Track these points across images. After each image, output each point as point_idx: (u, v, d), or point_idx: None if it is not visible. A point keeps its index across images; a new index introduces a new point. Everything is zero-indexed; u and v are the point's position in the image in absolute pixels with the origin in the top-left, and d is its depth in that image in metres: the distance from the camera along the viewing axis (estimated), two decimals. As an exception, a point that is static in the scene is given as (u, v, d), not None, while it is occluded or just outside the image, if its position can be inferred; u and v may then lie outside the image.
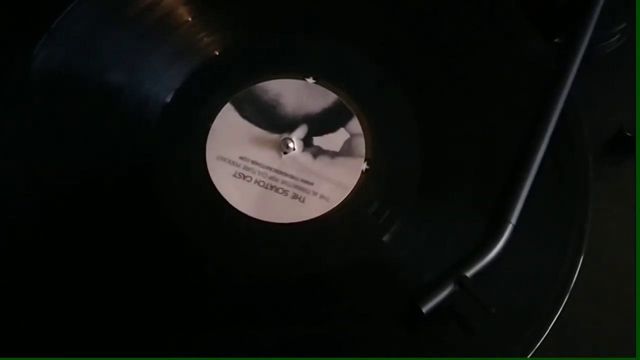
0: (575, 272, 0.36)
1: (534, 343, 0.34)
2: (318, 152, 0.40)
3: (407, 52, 0.42)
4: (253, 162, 0.40)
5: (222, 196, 0.38)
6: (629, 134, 0.41)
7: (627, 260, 0.39)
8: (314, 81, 0.41)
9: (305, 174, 0.39)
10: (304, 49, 0.43)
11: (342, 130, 0.40)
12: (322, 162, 0.39)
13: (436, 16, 0.43)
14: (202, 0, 0.43)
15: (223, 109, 0.41)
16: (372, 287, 0.36)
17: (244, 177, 0.39)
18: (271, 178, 0.39)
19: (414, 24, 0.43)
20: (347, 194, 0.38)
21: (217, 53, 0.42)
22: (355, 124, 0.40)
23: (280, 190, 0.39)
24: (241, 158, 0.40)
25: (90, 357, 0.34)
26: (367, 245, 0.37)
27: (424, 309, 0.34)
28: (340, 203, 0.38)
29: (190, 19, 0.43)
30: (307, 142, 0.40)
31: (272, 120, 0.41)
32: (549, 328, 0.34)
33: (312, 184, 0.39)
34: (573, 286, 0.35)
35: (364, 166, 0.39)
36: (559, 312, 0.35)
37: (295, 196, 0.38)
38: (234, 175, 0.39)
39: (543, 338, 0.34)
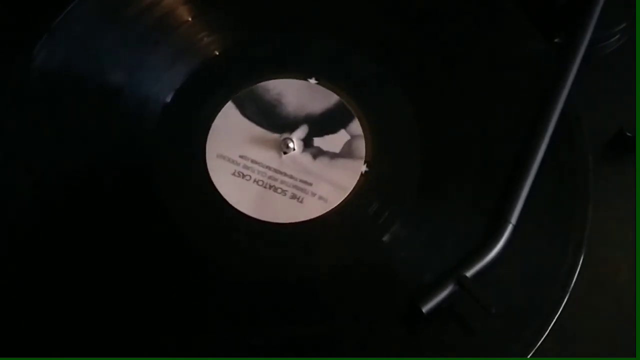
0: (575, 272, 0.36)
1: (534, 343, 0.34)
2: (318, 153, 0.40)
3: (407, 53, 0.42)
4: (253, 161, 0.40)
5: (221, 194, 0.38)
6: (629, 134, 0.41)
7: (627, 260, 0.39)
8: (316, 82, 0.41)
9: (305, 174, 0.39)
10: (306, 49, 0.43)
11: (342, 131, 0.40)
12: (321, 163, 0.39)
13: (436, 16, 0.43)
14: (202, 0, 0.43)
15: (224, 107, 0.41)
16: (372, 287, 0.36)
17: (243, 176, 0.39)
18: (270, 178, 0.39)
19: (414, 24, 0.43)
20: (346, 195, 0.38)
21: (217, 53, 0.42)
22: (356, 126, 0.40)
23: (279, 190, 0.39)
24: (241, 157, 0.40)
25: (90, 357, 0.34)
26: (367, 245, 0.37)
27: (424, 309, 0.34)
28: (339, 204, 0.38)
29: (190, 19, 0.43)
30: (307, 143, 0.40)
31: (273, 119, 0.41)
32: (549, 328, 0.34)
33: (311, 184, 0.39)
34: (573, 286, 0.35)
35: (364, 168, 0.39)
36: (559, 312, 0.35)
37: (293, 196, 0.38)
38: (233, 174, 0.39)
39: (543, 338, 0.34)
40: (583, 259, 0.36)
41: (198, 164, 0.39)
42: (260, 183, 0.39)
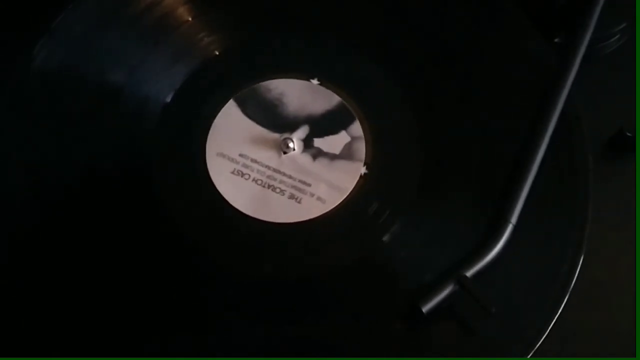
0: (575, 272, 0.36)
1: (534, 343, 0.34)
2: (318, 154, 0.40)
3: (408, 54, 0.42)
4: (252, 160, 0.40)
5: (220, 193, 0.38)
6: (629, 134, 0.41)
7: (627, 260, 0.39)
8: (318, 82, 0.41)
9: (304, 174, 0.39)
10: (308, 50, 0.43)
11: (343, 133, 0.40)
12: (321, 164, 0.39)
13: (436, 17, 0.43)
14: (202, 0, 0.43)
15: (226, 106, 0.41)
16: (372, 287, 0.36)
17: (242, 174, 0.39)
18: (269, 177, 0.39)
19: (414, 25, 0.43)
20: (344, 197, 0.38)
21: (217, 53, 0.42)
22: (356, 128, 0.40)
23: (278, 190, 0.39)
24: (241, 155, 0.40)
25: (91, 357, 0.34)
26: (367, 245, 0.37)
27: (424, 309, 0.34)
28: (337, 206, 0.38)
29: (190, 19, 0.43)
30: (307, 143, 0.40)
31: (274, 119, 0.41)
32: (549, 328, 0.34)
33: (309, 185, 0.39)
34: (573, 286, 0.35)
35: (363, 170, 0.39)
36: (559, 312, 0.35)
37: (292, 196, 0.38)
38: (233, 172, 0.39)
39: (543, 338, 0.34)
40: (583, 259, 0.36)
41: (198, 162, 0.39)
42: (259, 182, 0.39)
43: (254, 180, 0.39)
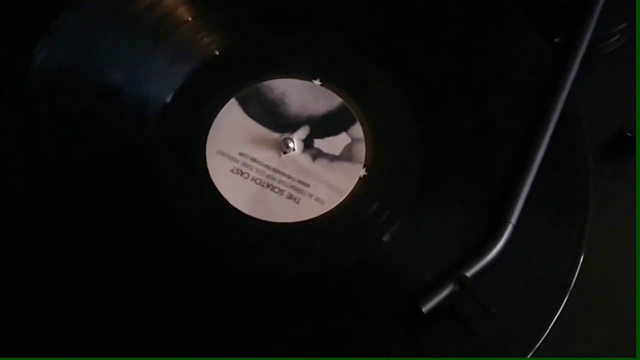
0: (575, 272, 0.36)
1: (534, 343, 0.34)
2: (317, 155, 0.40)
3: (410, 55, 0.42)
4: (252, 159, 0.40)
5: (218, 191, 0.38)
6: (629, 134, 0.41)
7: (627, 260, 0.39)
8: (320, 83, 0.41)
9: (303, 175, 0.39)
10: (308, 50, 0.43)
11: (344, 134, 0.40)
12: (320, 165, 0.39)
13: (436, 17, 0.43)
14: (202, 0, 0.43)
15: (227, 104, 0.41)
16: (372, 287, 0.36)
17: (242, 173, 0.39)
18: (268, 177, 0.39)
19: (415, 25, 0.43)
20: (343, 198, 0.38)
21: (217, 53, 0.42)
22: (357, 129, 0.40)
23: (277, 190, 0.39)
24: (241, 154, 0.40)
25: (91, 357, 0.34)
26: (367, 245, 0.37)
27: (424, 309, 0.34)
28: (335, 207, 0.38)
29: (190, 19, 0.43)
30: (307, 144, 0.40)
31: (275, 119, 0.41)
32: (549, 328, 0.34)
33: (308, 185, 0.39)
34: (573, 286, 0.35)
35: (363, 172, 0.39)
36: (559, 312, 0.35)
37: (290, 196, 0.38)
38: (232, 171, 0.39)
39: (543, 338, 0.34)
40: (583, 259, 0.36)
41: (197, 160, 0.39)
42: (258, 181, 0.39)
43: (253, 179, 0.39)
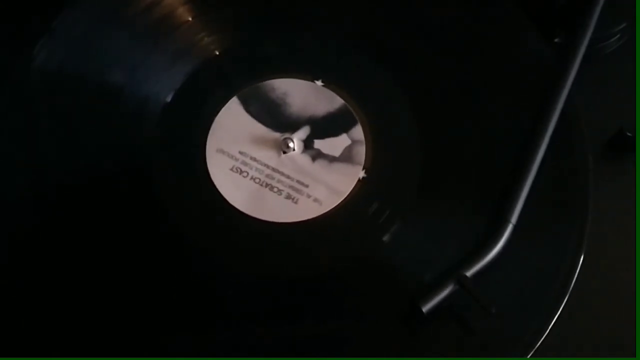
0: (575, 272, 0.36)
1: (534, 343, 0.34)
2: (317, 155, 0.40)
3: (410, 55, 0.42)
4: (252, 158, 0.40)
5: (217, 189, 0.38)
6: (629, 134, 0.41)
7: (627, 260, 0.39)
8: (322, 84, 0.41)
9: (302, 175, 0.39)
10: (311, 51, 0.43)
11: (344, 136, 0.40)
12: (319, 166, 0.39)
13: (436, 17, 0.43)
14: (202, 0, 0.43)
15: (229, 102, 0.41)
16: (372, 287, 0.36)
17: (241, 171, 0.39)
18: (268, 176, 0.39)
19: (414, 26, 0.43)
20: (341, 199, 0.38)
21: (217, 53, 0.42)
22: (358, 131, 0.40)
23: (275, 189, 0.39)
24: (241, 153, 0.40)
25: (91, 357, 0.34)
26: (367, 245, 0.37)
27: (424, 309, 0.34)
28: (333, 208, 0.38)
29: (190, 19, 0.43)
30: (307, 144, 0.40)
31: (276, 118, 0.41)
32: (549, 328, 0.34)
33: (307, 186, 0.39)
34: (573, 286, 0.35)
35: (362, 174, 0.39)
36: (559, 312, 0.35)
37: (288, 196, 0.38)
38: (232, 169, 0.39)
39: (543, 338, 0.34)
40: (583, 259, 0.36)
41: (197, 159, 0.39)
42: (257, 180, 0.39)
43: (252, 178, 0.39)
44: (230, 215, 0.38)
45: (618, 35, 0.45)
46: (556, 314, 0.35)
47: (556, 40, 0.44)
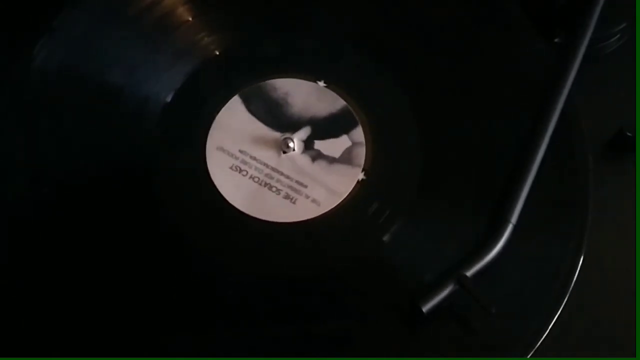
0: (575, 272, 0.36)
1: (534, 343, 0.34)
2: (317, 156, 0.40)
3: (410, 55, 0.42)
4: (252, 157, 0.40)
5: (216, 187, 0.38)
6: (629, 134, 0.41)
7: (627, 260, 0.39)
8: (325, 85, 0.41)
9: (301, 176, 0.39)
10: (310, 52, 0.43)
11: (344, 137, 0.40)
12: (319, 167, 0.39)
13: (436, 17, 0.43)
14: (202, 0, 0.43)
15: (231, 101, 0.41)
16: (372, 287, 0.36)
17: (240, 170, 0.39)
18: (267, 175, 0.39)
19: (414, 26, 0.43)
20: (339, 201, 0.38)
21: (217, 53, 0.42)
22: (359, 133, 0.40)
23: (274, 189, 0.39)
24: (240, 151, 0.40)
25: (91, 357, 0.34)
26: (366, 245, 0.37)
27: (424, 309, 0.34)
28: (331, 209, 0.38)
29: (190, 19, 0.43)
30: (307, 145, 0.40)
31: (277, 118, 0.41)
32: (549, 328, 0.34)
33: (306, 186, 0.39)
34: (573, 286, 0.35)
35: (361, 176, 0.39)
36: (559, 312, 0.35)
37: (287, 196, 0.38)
38: (231, 168, 0.39)
39: (543, 338, 0.34)
40: (583, 259, 0.36)
41: (197, 159, 0.39)
42: (256, 180, 0.39)
43: (251, 177, 0.39)
44: (228, 215, 0.38)
45: (618, 35, 0.45)
46: (556, 314, 0.35)
47: (556, 40, 0.44)
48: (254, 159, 0.40)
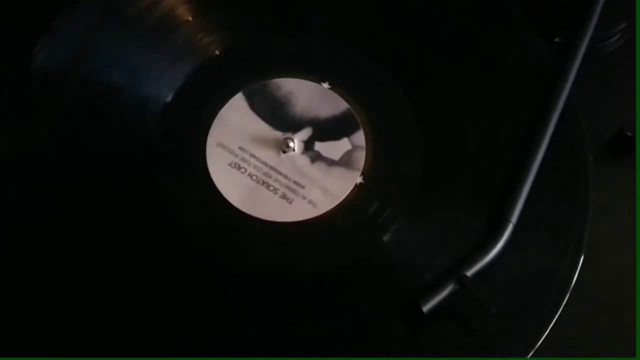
0: (575, 272, 0.36)
1: (534, 343, 0.34)
2: (316, 158, 0.40)
3: (410, 55, 0.42)
4: (251, 155, 0.40)
5: (214, 182, 0.38)
6: (629, 134, 0.41)
7: (627, 261, 0.39)
8: (329, 87, 0.41)
9: (299, 176, 0.39)
10: (312, 52, 0.43)
11: (345, 140, 0.40)
12: (318, 168, 0.39)
13: (435, 17, 0.43)
14: (202, 0, 0.43)
15: (234, 98, 0.41)
16: (372, 287, 0.36)
17: (239, 167, 0.39)
18: (265, 174, 0.39)
19: (415, 26, 0.43)
20: (336, 203, 0.38)
21: (218, 53, 0.42)
22: (359, 137, 0.40)
23: (271, 188, 0.39)
24: (240, 148, 0.40)
25: (91, 357, 0.34)
26: (366, 245, 0.37)
27: (425, 308, 0.34)
28: (327, 211, 0.38)
29: (190, 19, 0.43)
30: (308, 146, 0.40)
31: (279, 117, 0.41)
32: (549, 328, 0.34)
33: (303, 187, 0.39)
34: (573, 286, 0.35)
35: (359, 180, 0.39)
36: (559, 312, 0.35)
37: (284, 196, 0.38)
38: (230, 164, 0.39)
39: (543, 338, 0.34)
40: (583, 259, 0.36)
41: (197, 159, 0.39)
42: (254, 178, 0.39)
43: (249, 175, 0.39)
44: (225, 212, 0.38)
45: (618, 35, 0.45)
46: (556, 314, 0.35)
47: (556, 40, 0.44)
48: (254, 156, 0.40)
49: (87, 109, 0.40)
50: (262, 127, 0.40)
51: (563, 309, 0.35)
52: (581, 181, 0.38)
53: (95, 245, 0.37)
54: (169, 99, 0.41)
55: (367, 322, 0.35)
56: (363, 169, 0.39)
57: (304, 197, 0.38)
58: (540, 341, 0.34)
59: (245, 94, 0.41)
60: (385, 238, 0.37)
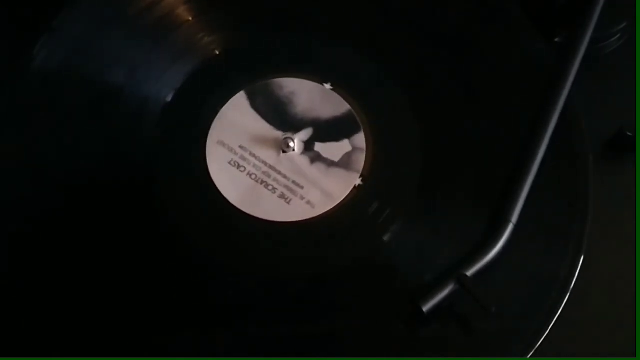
0: (575, 272, 0.36)
1: (534, 343, 0.34)
2: (316, 158, 0.40)
3: (410, 55, 0.42)
4: (251, 154, 0.40)
5: (213, 181, 0.38)
6: (629, 134, 0.41)
7: (627, 260, 0.39)
8: (331, 88, 0.41)
9: (298, 176, 0.39)
10: (311, 53, 0.42)
11: (345, 141, 0.40)
12: (317, 169, 0.39)
13: (435, 17, 0.43)
14: (202, 0, 0.43)
15: (236, 96, 0.41)
16: (372, 287, 0.36)
17: (239, 166, 0.39)
18: (264, 173, 0.39)
19: (415, 26, 0.43)
20: (334, 205, 0.38)
21: (218, 53, 0.42)
22: (360, 139, 0.40)
23: (270, 187, 0.39)
24: (241, 147, 0.40)
25: (91, 357, 0.34)
26: (366, 245, 0.37)
27: (425, 308, 0.34)
28: (325, 213, 0.38)
29: (190, 19, 0.43)
30: (308, 146, 0.40)
31: (280, 117, 0.41)
32: (549, 328, 0.34)
33: (302, 187, 0.39)
34: (573, 286, 0.35)
35: (358, 182, 0.39)
36: (559, 312, 0.35)
37: (282, 196, 0.38)
38: (230, 163, 0.39)
39: (543, 338, 0.34)
40: (583, 259, 0.36)
41: (197, 158, 0.39)
42: (253, 177, 0.39)
43: (248, 173, 0.39)
44: (226, 213, 0.38)
45: (618, 35, 0.45)
46: (556, 314, 0.35)
47: (556, 40, 0.44)
48: (253, 155, 0.40)
49: (87, 109, 0.40)
50: (263, 127, 0.40)
51: (563, 309, 0.35)
52: (581, 181, 0.38)
53: (95, 245, 0.37)
54: (169, 98, 0.41)
55: (368, 322, 0.35)
56: (362, 171, 0.39)
57: (302, 198, 0.38)
58: (540, 341, 0.34)
59: (247, 93, 0.41)
60: (385, 238, 0.37)
